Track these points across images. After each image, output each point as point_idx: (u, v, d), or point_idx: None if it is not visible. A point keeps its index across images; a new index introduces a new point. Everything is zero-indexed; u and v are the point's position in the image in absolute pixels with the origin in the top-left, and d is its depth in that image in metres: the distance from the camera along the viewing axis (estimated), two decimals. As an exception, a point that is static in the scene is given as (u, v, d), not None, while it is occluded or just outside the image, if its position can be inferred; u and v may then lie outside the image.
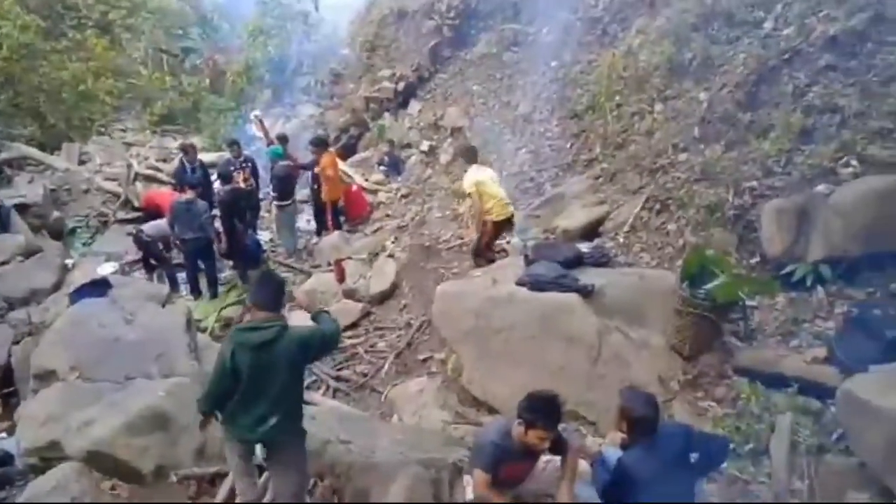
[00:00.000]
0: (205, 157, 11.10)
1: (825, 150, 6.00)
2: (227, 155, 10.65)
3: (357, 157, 13.41)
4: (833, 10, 6.76)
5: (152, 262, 8.95)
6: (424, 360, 6.92)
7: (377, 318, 7.89)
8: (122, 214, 11.21)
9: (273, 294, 3.78)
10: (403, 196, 11.09)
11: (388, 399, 6.49)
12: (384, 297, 8.14)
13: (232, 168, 9.70)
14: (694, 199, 6.62)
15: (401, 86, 13.56)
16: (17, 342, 6.51)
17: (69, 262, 9.10)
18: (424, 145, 12.00)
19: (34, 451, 4.60)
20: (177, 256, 9.01)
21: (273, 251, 10.36)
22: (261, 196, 10.84)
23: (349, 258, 9.02)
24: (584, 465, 3.99)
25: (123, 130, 16.25)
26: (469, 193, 7.21)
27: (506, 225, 7.30)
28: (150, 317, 5.88)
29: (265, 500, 4.14)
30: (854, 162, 5.83)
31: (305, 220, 11.14)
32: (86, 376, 5.06)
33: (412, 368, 6.89)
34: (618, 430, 3.76)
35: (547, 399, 3.57)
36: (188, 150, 10.07)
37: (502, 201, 7.08)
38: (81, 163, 12.94)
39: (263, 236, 10.57)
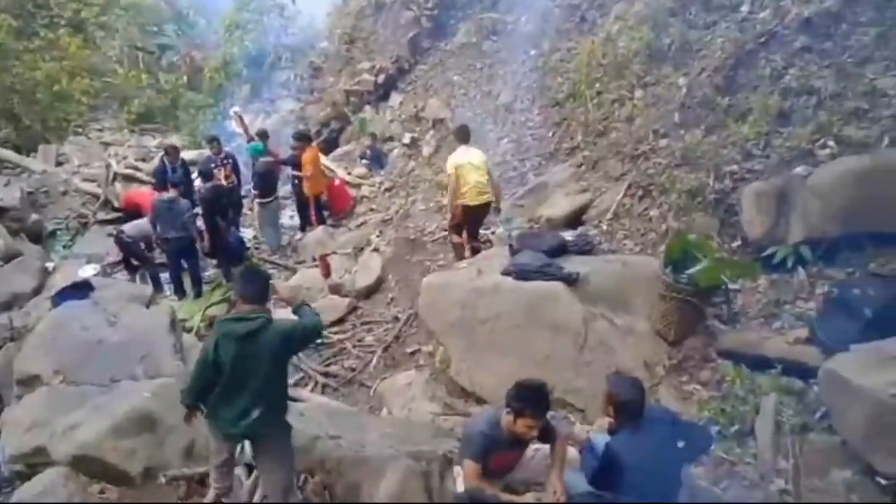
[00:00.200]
0: (185, 154, 10.99)
1: (802, 132, 6.03)
2: (206, 152, 10.57)
3: (339, 150, 13.33)
4: (807, -8, 6.80)
5: (134, 262, 8.88)
6: (412, 353, 6.94)
7: (364, 313, 7.90)
8: (101, 215, 11.12)
9: (259, 287, 3.78)
10: (387, 189, 11.06)
11: (376, 393, 6.50)
12: (370, 292, 8.14)
13: (213, 165, 9.62)
14: (675, 184, 6.65)
15: (381, 78, 13.48)
16: (-2, 348, 6.41)
17: (49, 265, 9.00)
18: (406, 137, 11.95)
19: (20, 458, 4.54)
20: (159, 256, 8.93)
21: (257, 248, 10.30)
22: (242, 193, 10.76)
23: (334, 253, 9.00)
24: (572, 452, 4.02)
25: (101, 130, 16.07)
26: (449, 174, 7.22)
27: (481, 211, 7.25)
28: (133, 318, 5.82)
29: (255, 499, 4.13)
30: (831, 143, 5.86)
31: (289, 215, 11.10)
32: (70, 380, 5.00)
33: (400, 362, 6.92)
34: (605, 415, 3.79)
35: (535, 388, 3.59)
36: (170, 153, 9.98)
37: (476, 188, 7.05)
38: (59, 164, 12.80)
39: (247, 233, 10.50)
